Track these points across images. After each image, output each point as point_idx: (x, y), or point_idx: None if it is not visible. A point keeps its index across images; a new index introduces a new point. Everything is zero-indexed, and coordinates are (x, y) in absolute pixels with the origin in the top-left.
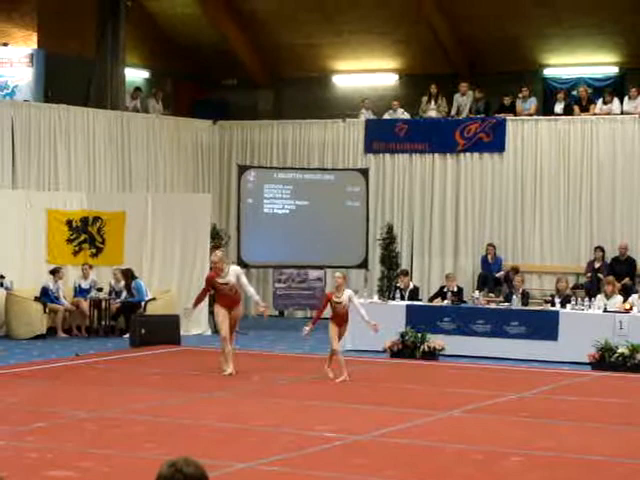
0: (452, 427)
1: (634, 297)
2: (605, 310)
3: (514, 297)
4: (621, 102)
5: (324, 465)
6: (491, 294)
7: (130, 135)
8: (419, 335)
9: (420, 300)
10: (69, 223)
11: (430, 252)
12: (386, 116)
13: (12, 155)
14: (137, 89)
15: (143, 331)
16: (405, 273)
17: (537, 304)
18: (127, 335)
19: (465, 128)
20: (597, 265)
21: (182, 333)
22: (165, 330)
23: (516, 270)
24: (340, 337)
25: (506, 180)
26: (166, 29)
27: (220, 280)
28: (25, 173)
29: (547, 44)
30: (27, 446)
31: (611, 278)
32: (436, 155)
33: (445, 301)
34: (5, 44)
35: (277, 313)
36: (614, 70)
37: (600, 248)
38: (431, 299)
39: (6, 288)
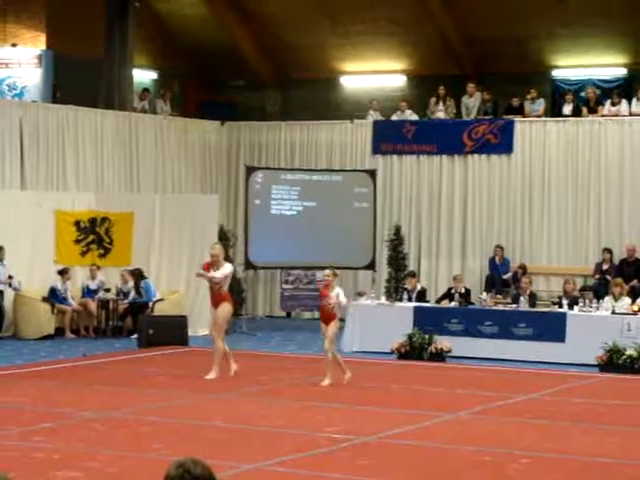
0: (460, 429)
1: None
2: (613, 312)
3: (522, 299)
4: (629, 103)
5: (332, 466)
6: (499, 296)
7: (138, 136)
8: (426, 336)
9: (427, 301)
10: (77, 224)
11: (438, 253)
12: (394, 117)
13: (20, 156)
14: (145, 90)
15: (151, 332)
16: (412, 274)
17: (545, 306)
18: (135, 336)
19: (473, 129)
20: (605, 267)
21: (190, 334)
22: (173, 331)
23: (524, 268)
24: (329, 336)
25: (514, 182)
26: (174, 30)
27: (210, 274)
28: (33, 174)
29: (555, 45)
30: (34, 446)
31: (619, 280)
32: (444, 156)
33: (453, 303)
34: (14, 45)
35: (284, 314)
36: (622, 72)
37: (608, 250)
38: (438, 300)
39: (14, 288)
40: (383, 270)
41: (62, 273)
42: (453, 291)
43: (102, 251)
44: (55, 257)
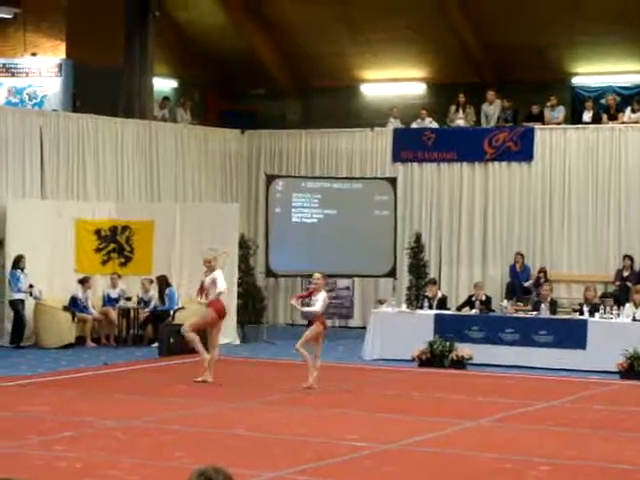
0: (481, 436)
1: None
2: (634, 319)
3: (542, 306)
4: None
5: (353, 474)
6: (519, 303)
7: (158, 145)
8: (447, 344)
9: (448, 309)
10: (98, 232)
11: (458, 261)
12: (414, 125)
13: (41, 165)
14: (165, 99)
15: (172, 340)
16: (433, 282)
17: (565, 313)
18: (156, 344)
19: (493, 137)
20: (626, 274)
21: None
22: None
23: (544, 272)
24: (310, 339)
25: (534, 189)
26: (194, 39)
27: (202, 279)
28: (54, 183)
29: (575, 53)
30: (56, 455)
31: None
32: (464, 164)
33: (473, 310)
34: (34, 54)
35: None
36: None
37: (629, 257)
38: (459, 308)
39: (35, 297)
40: (404, 278)
41: (83, 282)
42: (474, 298)
43: (123, 260)
44: (75, 266)
